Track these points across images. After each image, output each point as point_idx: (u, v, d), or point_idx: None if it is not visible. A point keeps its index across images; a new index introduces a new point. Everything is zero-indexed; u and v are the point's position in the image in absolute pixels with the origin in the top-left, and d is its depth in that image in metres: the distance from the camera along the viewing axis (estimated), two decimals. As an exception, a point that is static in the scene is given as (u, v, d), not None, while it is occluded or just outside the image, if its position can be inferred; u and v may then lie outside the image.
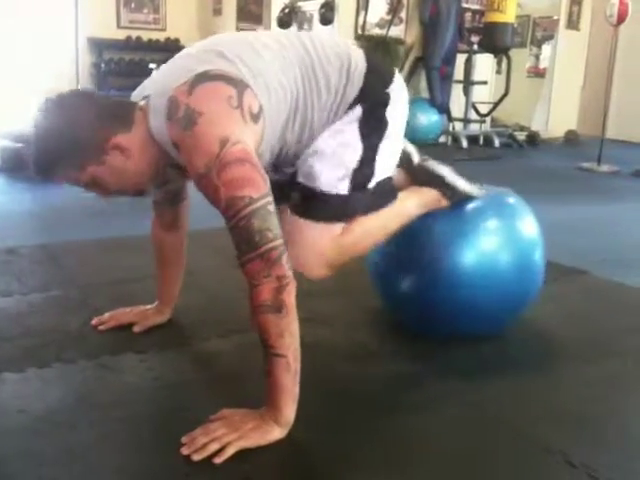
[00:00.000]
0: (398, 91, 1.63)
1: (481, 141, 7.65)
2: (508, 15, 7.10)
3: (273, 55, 1.46)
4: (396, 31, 7.27)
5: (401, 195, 1.71)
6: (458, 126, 7.69)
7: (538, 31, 9.43)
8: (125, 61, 7.71)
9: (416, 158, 1.81)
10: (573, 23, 8.87)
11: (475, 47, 7.45)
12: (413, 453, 1.34)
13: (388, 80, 1.61)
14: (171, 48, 7.99)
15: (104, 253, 2.61)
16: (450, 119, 7.54)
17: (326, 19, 6.71)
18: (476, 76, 7.57)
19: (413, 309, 1.86)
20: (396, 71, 1.67)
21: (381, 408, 1.49)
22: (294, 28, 7.06)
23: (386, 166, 1.62)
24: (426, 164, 1.79)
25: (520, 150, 7.44)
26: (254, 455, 1.26)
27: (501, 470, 1.31)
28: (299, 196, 1.59)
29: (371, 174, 1.59)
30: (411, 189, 1.75)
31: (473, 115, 7.69)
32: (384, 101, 1.59)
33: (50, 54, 7.18)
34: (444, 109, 7.32)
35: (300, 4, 7.07)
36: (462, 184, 1.78)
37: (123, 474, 1.23)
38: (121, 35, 7.72)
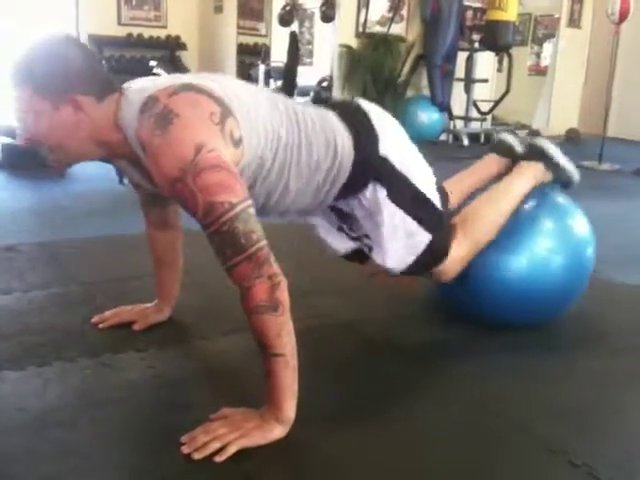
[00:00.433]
0: (385, 134, 1.63)
1: (482, 139, 7.64)
2: (509, 13, 7.10)
3: (265, 103, 1.45)
4: (397, 29, 7.26)
5: (512, 174, 1.92)
6: (459, 124, 7.69)
7: (539, 29, 9.42)
8: (126, 58, 7.70)
9: (519, 148, 2.00)
10: (574, 21, 8.86)
11: (476, 45, 7.45)
12: (416, 450, 1.33)
13: (374, 141, 1.60)
14: (172, 45, 8.01)
15: (104, 251, 2.61)
16: (451, 117, 7.54)
17: (327, 16, 6.70)
18: (477, 74, 7.57)
19: (463, 298, 1.91)
20: (367, 109, 1.65)
21: (383, 405, 1.48)
22: (295, 25, 7.05)
23: (431, 186, 1.70)
24: (532, 140, 1.97)
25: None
26: (255, 454, 1.25)
27: (503, 469, 1.30)
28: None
29: (434, 209, 1.68)
30: (518, 166, 1.93)
31: (474, 113, 7.69)
32: (387, 164, 1.61)
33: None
34: (445, 107, 7.32)
35: (301, 1, 7.06)
36: (564, 161, 1.95)
37: (123, 472, 1.22)
38: (122, 32, 7.71)
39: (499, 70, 8.33)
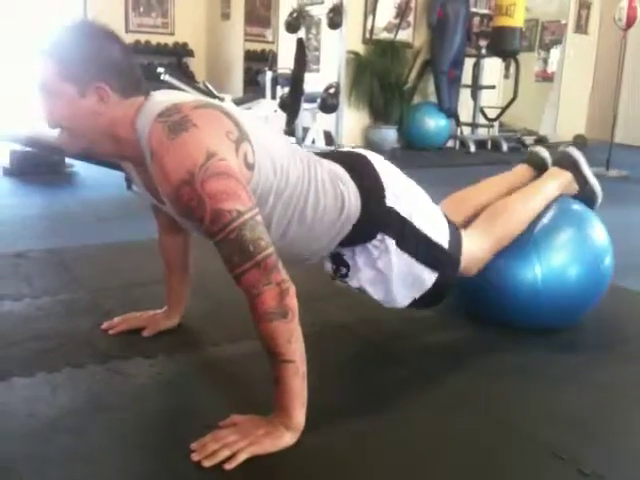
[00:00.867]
0: (390, 185, 1.63)
1: (489, 145, 7.64)
2: (516, 19, 7.10)
3: (282, 148, 1.46)
4: (404, 35, 7.27)
5: (542, 178, 1.98)
6: (466, 130, 7.69)
7: (546, 35, 9.42)
8: (134, 65, 7.74)
9: (549, 161, 2.05)
10: (581, 27, 8.87)
11: (483, 51, 7.45)
12: (422, 458, 1.33)
13: (380, 190, 1.61)
14: (179, 52, 8.05)
15: (113, 257, 2.62)
16: (458, 123, 7.54)
17: (334, 23, 6.70)
18: (484, 80, 7.57)
19: (483, 301, 1.94)
20: (372, 159, 1.67)
21: (391, 412, 1.48)
22: (302, 32, 7.06)
23: (439, 226, 1.70)
24: (565, 149, 2.01)
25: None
26: (265, 461, 1.25)
27: (511, 476, 1.30)
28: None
29: (441, 249, 1.67)
30: (549, 171, 1.99)
31: (481, 119, 7.69)
32: (394, 214, 1.61)
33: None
34: (452, 113, 7.32)
35: (308, 8, 7.07)
36: (592, 178, 2.01)
37: (132, 479, 1.22)
38: (129, 39, 7.75)
39: (506, 76, 8.33)
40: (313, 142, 6.26)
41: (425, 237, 1.65)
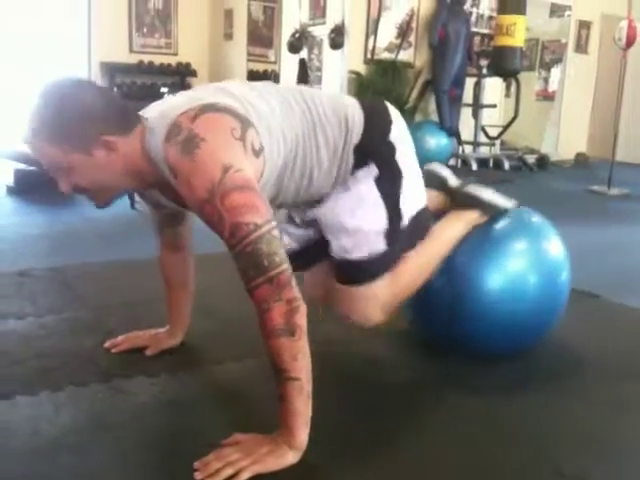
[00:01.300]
0: (398, 130, 1.67)
1: (491, 164, 7.65)
2: (517, 39, 7.14)
3: (278, 106, 1.49)
4: (405, 55, 7.32)
5: (445, 221, 1.82)
6: (468, 149, 7.71)
7: (547, 54, 9.47)
8: (137, 85, 7.81)
9: (453, 182, 1.93)
10: (582, 47, 8.92)
11: (484, 71, 7.49)
12: (423, 472, 1.33)
13: (386, 125, 1.65)
14: (182, 72, 8.11)
15: (116, 275, 2.62)
16: (459, 142, 7.56)
17: (336, 44, 6.76)
18: (485, 99, 7.60)
19: (438, 327, 1.88)
20: (389, 108, 1.70)
21: (396, 428, 1.48)
22: (304, 52, 7.12)
23: (414, 203, 1.69)
24: (465, 188, 1.89)
25: (530, 173, 7.45)
26: (267, 477, 1.25)
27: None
28: (339, 264, 1.66)
29: (402, 222, 1.65)
30: (453, 214, 1.84)
31: (483, 138, 7.71)
32: (391, 151, 1.64)
33: (63, 78, 7.25)
34: (453, 132, 7.34)
35: (310, 29, 7.14)
36: (500, 200, 1.87)
37: (136, 498, 1.22)
38: (133, 59, 7.83)
39: (507, 95, 8.36)
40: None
41: (399, 198, 1.64)
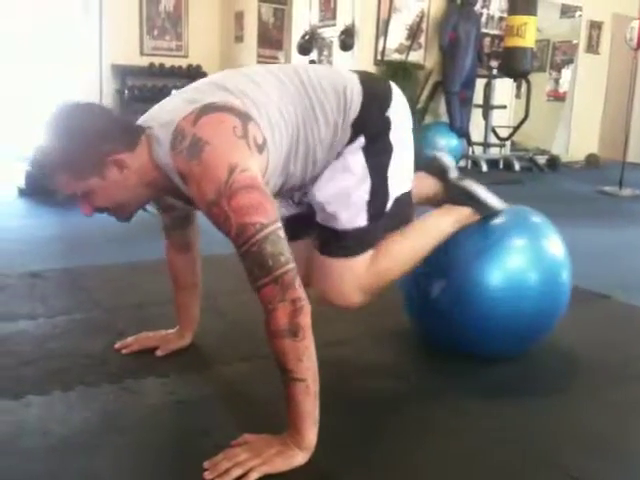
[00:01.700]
0: (397, 107, 1.66)
1: (501, 165, 7.63)
2: (527, 40, 7.12)
3: (273, 89, 1.49)
4: (415, 56, 7.31)
5: (435, 214, 1.80)
6: (478, 150, 7.70)
7: (557, 55, 9.43)
8: (148, 87, 7.83)
9: (452, 173, 1.89)
10: (593, 47, 8.88)
11: (495, 72, 7.47)
12: (432, 475, 1.33)
13: (385, 101, 1.64)
14: (193, 74, 8.12)
15: (127, 277, 2.64)
16: (470, 143, 7.54)
17: (346, 45, 6.77)
18: (496, 100, 7.58)
19: (439, 327, 1.87)
20: (391, 85, 1.70)
21: (403, 432, 1.48)
22: (314, 54, 7.13)
23: (400, 183, 1.67)
24: (460, 182, 1.85)
25: (541, 174, 7.42)
26: (276, 478, 1.25)
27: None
28: (322, 234, 1.66)
29: (386, 199, 1.64)
30: (444, 207, 1.82)
31: (493, 139, 7.69)
32: (386, 126, 1.63)
33: (74, 80, 7.30)
34: (463, 133, 7.33)
35: (320, 30, 7.14)
36: (493, 201, 1.84)
37: (146, 498, 1.23)
38: (144, 62, 7.85)
39: (517, 96, 8.33)
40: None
41: (386, 175, 1.63)
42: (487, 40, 7.87)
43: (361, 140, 1.59)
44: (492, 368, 1.83)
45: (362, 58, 6.88)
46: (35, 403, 1.55)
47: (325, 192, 1.62)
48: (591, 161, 8.42)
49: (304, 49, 7.11)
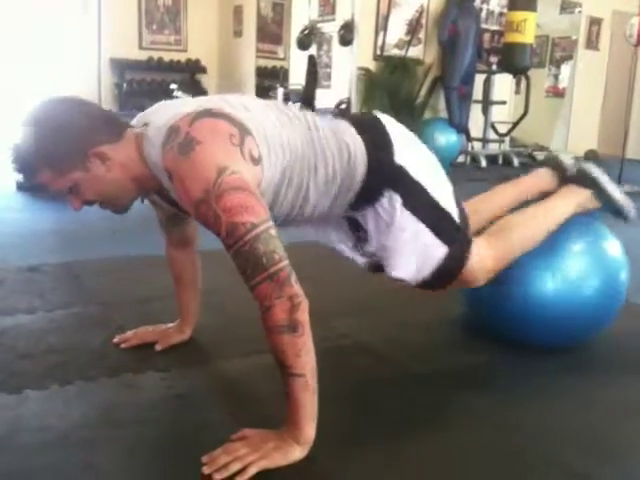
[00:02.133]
0: (399, 144, 1.62)
1: (500, 161, 7.64)
2: (527, 36, 7.12)
3: (278, 120, 1.47)
4: (415, 51, 7.30)
5: (557, 195, 1.89)
6: (477, 146, 7.69)
7: (557, 51, 9.43)
8: (147, 81, 7.81)
9: (569, 161, 1.97)
10: (592, 43, 8.87)
11: (494, 67, 7.47)
12: (435, 471, 1.32)
13: (389, 148, 1.60)
14: (192, 69, 8.11)
15: (126, 271, 2.63)
16: (469, 139, 7.54)
17: (345, 40, 6.76)
18: (495, 96, 7.58)
19: (497, 317, 1.93)
20: (382, 123, 1.65)
21: (404, 427, 1.48)
22: (313, 49, 7.11)
23: (446, 193, 1.67)
24: (581, 166, 1.92)
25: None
26: (275, 475, 1.25)
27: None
28: None
29: (451, 220, 1.64)
30: (566, 188, 1.90)
31: (492, 135, 7.69)
32: (402, 172, 1.59)
33: (73, 74, 7.28)
34: (462, 129, 7.33)
35: (320, 25, 7.13)
36: (613, 189, 1.91)
37: (144, 492, 1.23)
38: (143, 56, 7.83)
39: (517, 92, 8.34)
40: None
41: (434, 202, 1.62)
42: (487, 36, 7.87)
43: (395, 197, 1.57)
44: (497, 366, 1.82)
45: (361, 53, 6.88)
46: (33, 398, 1.54)
47: (406, 273, 1.64)
48: (590, 157, 8.41)
49: (303, 44, 7.11)
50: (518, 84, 8.17)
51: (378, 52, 7.08)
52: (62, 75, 7.23)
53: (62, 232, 3.44)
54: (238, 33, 8.22)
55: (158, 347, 1.81)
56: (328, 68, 7.22)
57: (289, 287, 1.27)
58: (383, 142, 1.60)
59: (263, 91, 7.60)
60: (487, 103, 7.53)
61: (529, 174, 2.05)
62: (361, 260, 1.74)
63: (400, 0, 7.12)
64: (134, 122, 1.51)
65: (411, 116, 7.10)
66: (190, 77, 8.06)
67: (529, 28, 7.10)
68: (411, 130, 1.74)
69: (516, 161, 7.43)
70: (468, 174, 6.79)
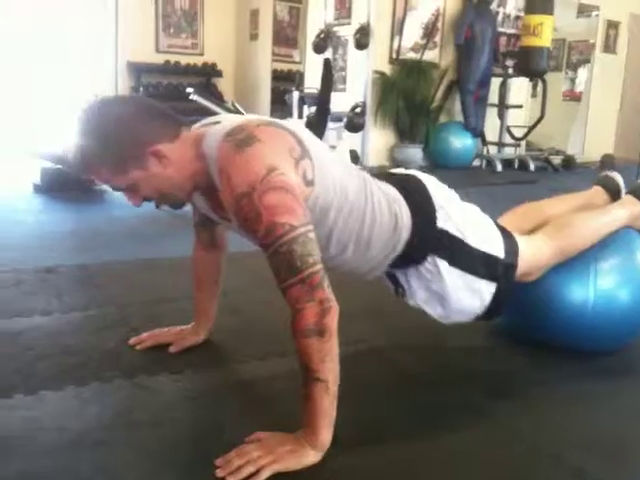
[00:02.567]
0: (442, 208, 1.63)
1: (516, 165, 7.60)
2: (544, 39, 7.09)
3: (339, 166, 1.50)
4: (430, 55, 7.29)
5: (613, 205, 1.97)
6: (492, 150, 7.66)
7: (574, 55, 9.38)
8: (163, 85, 7.86)
9: (623, 187, 2.05)
10: (609, 46, 8.82)
11: (510, 71, 7.44)
12: (442, 474, 1.32)
13: (432, 215, 1.62)
14: (208, 72, 8.15)
15: (142, 273, 2.65)
16: (484, 143, 7.52)
17: (361, 44, 6.76)
18: (511, 100, 7.55)
19: (532, 325, 1.94)
20: (425, 180, 1.69)
21: (415, 431, 1.47)
22: (329, 53, 7.12)
23: (493, 239, 1.69)
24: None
25: (555, 174, 7.38)
26: (284, 477, 1.25)
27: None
28: None
29: (497, 260, 1.67)
30: (623, 199, 1.97)
31: (508, 139, 7.66)
32: (444, 235, 1.61)
33: (90, 77, 7.34)
34: (478, 132, 7.31)
35: (336, 29, 7.14)
36: None
37: (159, 494, 1.23)
38: (160, 59, 7.88)
39: (533, 96, 8.29)
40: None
41: (479, 252, 1.64)
42: (503, 39, 7.84)
43: (440, 263, 1.60)
44: (508, 370, 1.82)
45: (377, 57, 6.88)
46: (50, 398, 1.55)
47: (460, 313, 1.70)
48: (606, 161, 8.36)
49: (319, 47, 7.11)
50: (534, 88, 8.13)
51: (394, 55, 7.08)
52: (80, 77, 7.29)
53: (79, 234, 3.47)
54: (254, 37, 8.26)
55: (173, 349, 1.81)
56: (343, 72, 7.22)
57: (321, 291, 1.28)
58: (427, 208, 1.62)
59: (278, 95, 7.63)
60: (503, 107, 7.50)
61: (585, 192, 2.13)
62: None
63: (416, 3, 7.11)
64: (196, 126, 1.53)
65: (426, 120, 7.10)
66: (206, 81, 8.11)
67: (546, 31, 7.06)
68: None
69: (532, 165, 7.39)
70: (483, 178, 6.77)
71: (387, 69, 7.06)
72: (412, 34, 7.17)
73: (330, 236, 1.49)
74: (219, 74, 8.22)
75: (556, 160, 7.80)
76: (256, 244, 1.34)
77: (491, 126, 7.55)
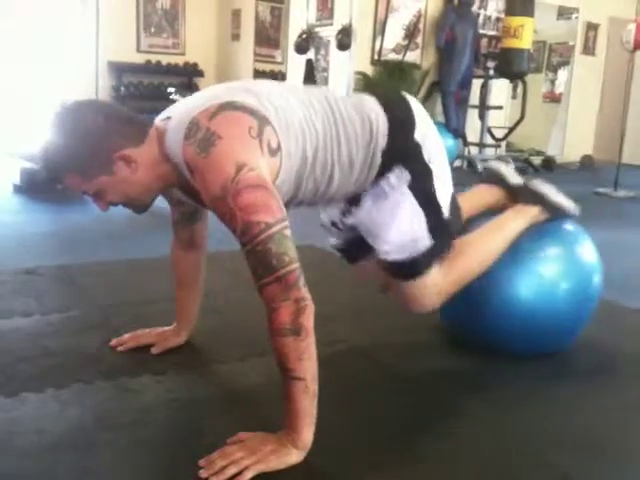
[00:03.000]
0: (421, 123, 1.64)
1: (497, 165, 7.64)
2: (524, 41, 7.14)
3: (298, 102, 1.49)
4: (412, 56, 7.33)
5: (506, 215, 1.86)
6: (473, 150, 7.71)
7: (554, 57, 9.47)
8: (144, 84, 7.83)
9: (513, 179, 1.96)
10: (589, 49, 8.92)
11: (491, 72, 7.49)
12: (430, 477, 1.32)
13: (411, 125, 1.62)
14: (190, 72, 8.13)
15: (122, 274, 2.63)
16: (465, 143, 7.56)
17: (343, 45, 6.78)
18: (492, 101, 7.61)
19: (471, 328, 1.91)
20: (408, 102, 1.68)
21: (399, 432, 1.48)
22: (311, 53, 7.13)
23: (446, 192, 1.69)
24: (528, 183, 1.92)
25: (536, 175, 7.43)
26: (271, 479, 1.25)
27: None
28: (390, 267, 1.68)
29: (442, 216, 1.66)
30: (515, 208, 1.88)
31: (489, 139, 7.71)
32: (418, 151, 1.62)
33: (71, 77, 7.29)
34: (459, 133, 7.35)
35: (317, 30, 7.15)
36: (561, 200, 1.91)
37: (140, 496, 1.23)
38: (141, 59, 7.85)
39: (513, 97, 8.36)
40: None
41: (434, 192, 1.63)
42: (484, 41, 7.90)
43: (405, 175, 1.60)
44: (487, 372, 1.83)
45: (359, 58, 6.90)
46: (29, 400, 1.54)
47: (383, 238, 1.64)
48: (586, 162, 8.45)
49: (301, 48, 7.12)
50: (515, 89, 8.20)
51: (376, 57, 7.10)
52: (60, 77, 7.24)
53: (59, 235, 3.45)
54: (236, 37, 8.25)
55: (154, 350, 1.80)
56: (325, 72, 7.23)
57: (296, 290, 1.27)
58: (406, 118, 1.62)
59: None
60: (484, 108, 7.55)
61: (470, 192, 2.04)
62: (335, 238, 1.78)
63: (398, 5, 7.14)
64: (158, 118, 1.52)
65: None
66: (188, 81, 8.08)
67: (526, 33, 7.12)
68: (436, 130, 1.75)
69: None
70: (464, 179, 6.80)
71: (369, 70, 7.08)
72: (394, 35, 7.20)
73: (314, 173, 1.50)
74: (201, 74, 8.20)
75: (536, 161, 7.87)
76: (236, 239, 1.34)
77: (472, 127, 7.60)
